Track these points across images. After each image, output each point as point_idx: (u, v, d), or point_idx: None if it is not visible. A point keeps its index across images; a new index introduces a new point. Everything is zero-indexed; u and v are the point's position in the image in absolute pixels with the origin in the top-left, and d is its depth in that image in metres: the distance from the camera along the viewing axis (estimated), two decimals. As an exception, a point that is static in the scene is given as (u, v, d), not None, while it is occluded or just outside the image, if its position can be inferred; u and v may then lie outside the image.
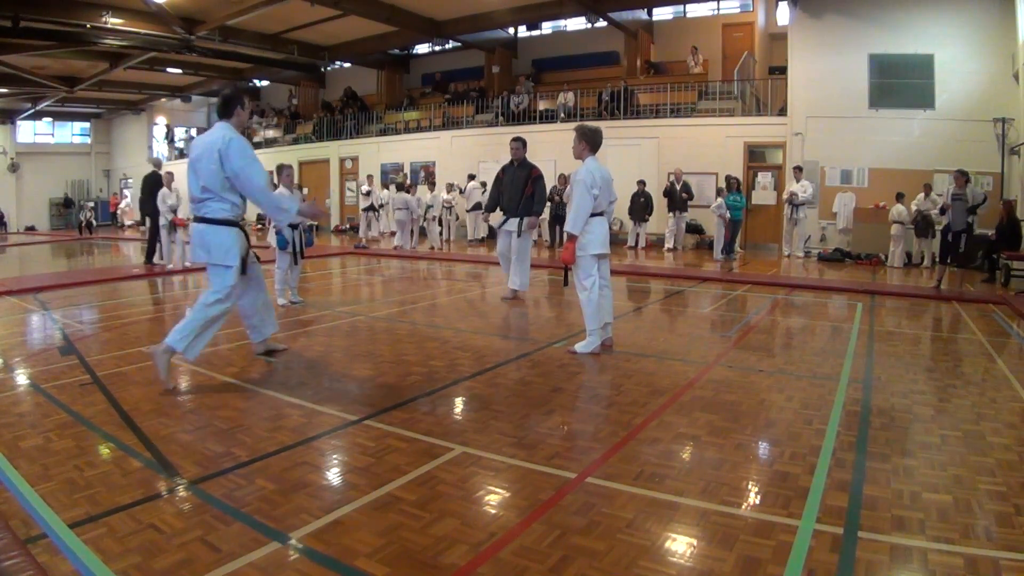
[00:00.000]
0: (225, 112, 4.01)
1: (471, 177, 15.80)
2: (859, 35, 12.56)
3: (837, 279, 9.57)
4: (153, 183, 10.49)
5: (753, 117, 14.15)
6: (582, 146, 4.92)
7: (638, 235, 13.97)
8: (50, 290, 8.03)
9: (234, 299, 4.10)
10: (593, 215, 4.85)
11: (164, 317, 6.93)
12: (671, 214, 13.58)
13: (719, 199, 12.25)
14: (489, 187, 9.08)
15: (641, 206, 13.78)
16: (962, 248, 8.30)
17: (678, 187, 13.31)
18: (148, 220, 11.05)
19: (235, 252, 3.95)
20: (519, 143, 7.31)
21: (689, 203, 13.49)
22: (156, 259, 10.62)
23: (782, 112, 13.67)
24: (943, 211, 8.66)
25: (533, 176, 7.24)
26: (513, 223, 7.31)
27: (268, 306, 4.61)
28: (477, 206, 15.26)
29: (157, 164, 11.20)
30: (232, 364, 4.57)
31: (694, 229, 14.17)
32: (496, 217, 7.97)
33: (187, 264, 10.20)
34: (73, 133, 29.08)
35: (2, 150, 26.44)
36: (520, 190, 7.24)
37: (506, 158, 7.42)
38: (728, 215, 12.15)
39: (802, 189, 12.23)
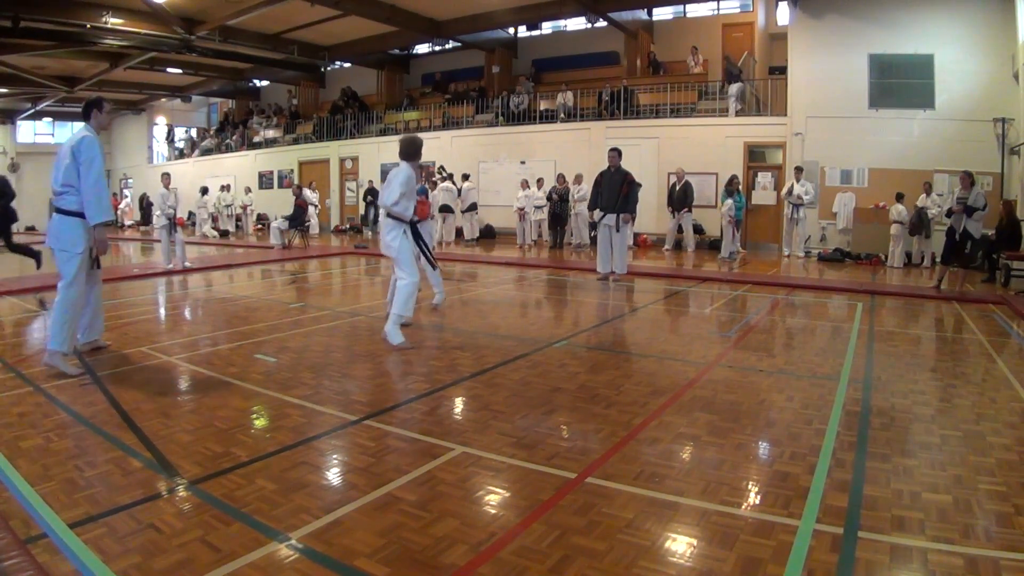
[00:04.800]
0: (85, 115, 4.65)
1: (465, 177, 15.71)
2: (859, 35, 12.55)
3: (837, 279, 9.56)
4: None
5: (753, 117, 14.13)
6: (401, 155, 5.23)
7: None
8: (50, 290, 8.02)
9: (82, 285, 4.40)
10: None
11: (163, 316, 6.93)
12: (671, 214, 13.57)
13: (728, 200, 12.20)
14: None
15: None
16: (968, 250, 8.28)
17: (679, 187, 13.29)
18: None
19: (81, 242, 4.34)
20: (615, 152, 8.74)
21: (689, 203, 13.41)
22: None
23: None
24: (949, 214, 8.61)
25: (628, 180, 8.60)
26: (611, 218, 8.63)
27: (99, 309, 4.89)
28: (472, 207, 15.28)
29: None
30: (232, 364, 4.57)
31: (695, 229, 14.15)
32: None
33: (187, 264, 10.28)
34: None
35: (2, 150, 26.43)
36: (617, 191, 8.58)
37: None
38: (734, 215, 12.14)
39: (804, 191, 12.21)
